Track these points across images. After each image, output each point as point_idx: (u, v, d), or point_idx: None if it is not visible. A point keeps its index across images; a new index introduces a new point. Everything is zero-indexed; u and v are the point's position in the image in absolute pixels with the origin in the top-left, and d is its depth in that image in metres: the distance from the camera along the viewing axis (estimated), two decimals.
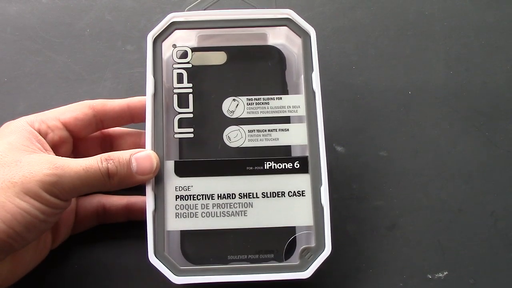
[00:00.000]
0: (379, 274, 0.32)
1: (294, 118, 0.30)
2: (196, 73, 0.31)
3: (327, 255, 0.27)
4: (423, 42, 0.39)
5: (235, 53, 0.31)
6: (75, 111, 0.30)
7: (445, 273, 0.32)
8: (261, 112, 0.30)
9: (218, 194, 0.28)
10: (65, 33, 0.39)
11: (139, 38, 0.39)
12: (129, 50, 0.39)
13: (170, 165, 0.29)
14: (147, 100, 0.29)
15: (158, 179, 0.28)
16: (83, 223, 0.31)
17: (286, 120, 0.30)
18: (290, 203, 0.28)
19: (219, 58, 0.31)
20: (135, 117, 0.31)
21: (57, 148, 0.29)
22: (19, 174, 0.24)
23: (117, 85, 0.37)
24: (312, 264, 0.27)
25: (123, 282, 0.31)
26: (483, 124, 0.37)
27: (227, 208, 0.28)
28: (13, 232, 0.24)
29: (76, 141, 0.30)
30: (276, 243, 0.28)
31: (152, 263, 0.27)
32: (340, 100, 0.37)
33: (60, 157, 0.26)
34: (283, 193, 0.28)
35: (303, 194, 0.28)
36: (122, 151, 0.28)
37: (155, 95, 0.29)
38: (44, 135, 0.28)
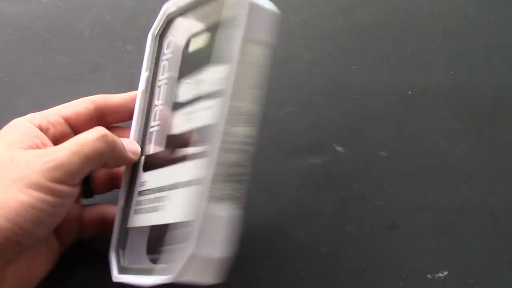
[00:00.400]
0: (379, 274, 0.32)
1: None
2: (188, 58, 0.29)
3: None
4: (423, 42, 0.39)
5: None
6: (76, 106, 0.29)
7: (445, 273, 0.32)
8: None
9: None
10: (65, 33, 0.39)
11: (139, 38, 0.39)
12: (129, 50, 0.39)
13: (142, 160, 0.29)
14: (138, 96, 0.29)
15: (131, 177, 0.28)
16: (87, 229, 0.30)
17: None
18: None
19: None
20: None
21: (58, 142, 0.28)
22: (17, 170, 0.24)
23: (117, 85, 0.37)
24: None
25: None
26: (483, 124, 0.37)
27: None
28: (19, 229, 0.23)
29: None
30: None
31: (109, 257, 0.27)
32: (340, 100, 0.37)
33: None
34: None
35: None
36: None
37: (145, 91, 0.29)
38: (45, 130, 0.28)
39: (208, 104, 0.24)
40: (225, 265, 0.23)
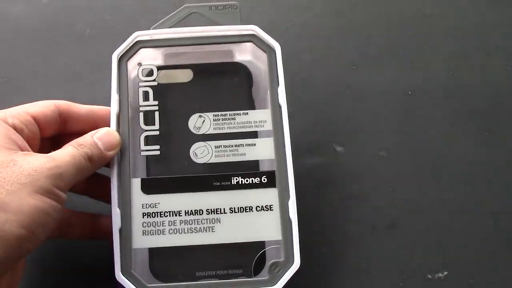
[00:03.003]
0: (379, 274, 0.32)
1: (262, 132, 0.30)
2: (162, 91, 0.30)
3: (296, 269, 0.27)
4: (423, 42, 0.39)
5: (201, 71, 0.31)
6: (42, 107, 0.29)
7: (445, 273, 0.32)
8: (227, 127, 0.30)
9: (185, 211, 0.28)
10: (65, 33, 0.39)
11: None
12: None
13: (136, 182, 0.28)
14: (112, 119, 0.29)
15: (124, 196, 0.28)
16: (72, 232, 0.30)
17: (254, 135, 0.30)
18: (258, 218, 0.28)
19: (185, 76, 0.31)
20: (98, 125, 0.30)
21: (30, 143, 0.28)
22: (24, 173, 0.24)
23: None
24: (281, 279, 0.27)
25: None
26: (483, 124, 0.37)
27: (194, 224, 0.28)
28: (32, 235, 0.23)
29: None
30: (245, 258, 0.28)
31: (119, 281, 0.26)
32: (340, 100, 0.37)
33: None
34: (250, 208, 0.28)
35: (271, 209, 0.28)
36: (83, 136, 0.28)
37: (120, 113, 0.29)
38: (19, 131, 0.27)
39: (262, 142, 0.30)
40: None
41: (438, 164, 0.35)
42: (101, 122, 0.30)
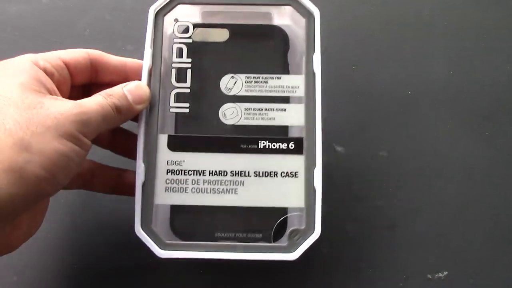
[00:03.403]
0: (379, 274, 0.32)
1: (294, 98, 0.30)
2: (196, 49, 0.30)
3: (316, 238, 0.27)
4: (423, 42, 0.39)
5: (238, 31, 0.31)
6: (74, 53, 0.29)
7: (445, 273, 0.32)
8: (259, 90, 0.29)
9: (209, 171, 0.28)
10: (65, 33, 0.39)
11: (139, 38, 0.39)
12: (129, 50, 0.39)
13: (163, 139, 0.28)
14: (143, 73, 0.29)
15: (150, 152, 0.28)
16: (69, 184, 0.29)
17: (285, 100, 0.29)
18: (282, 184, 0.28)
19: (221, 35, 0.31)
20: (129, 78, 0.30)
21: (60, 88, 0.28)
22: (50, 116, 0.24)
23: None
24: (300, 246, 0.27)
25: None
26: (483, 124, 0.37)
27: (217, 185, 0.28)
28: (52, 178, 0.23)
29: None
30: (266, 223, 0.28)
31: (138, 235, 0.27)
32: (340, 100, 0.37)
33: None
34: (275, 173, 0.28)
35: (296, 175, 0.28)
36: (113, 88, 0.28)
37: (152, 68, 0.29)
38: (50, 75, 0.27)
39: (293, 107, 0.29)
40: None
41: (438, 164, 0.35)
42: (133, 75, 0.30)
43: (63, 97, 0.27)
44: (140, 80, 0.29)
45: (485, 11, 0.40)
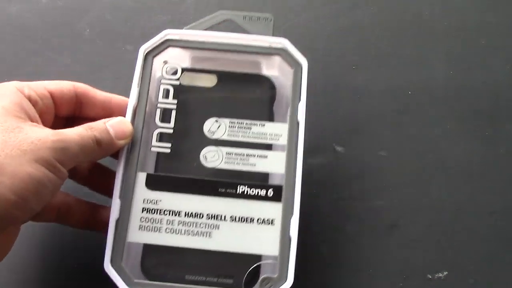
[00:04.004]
0: (379, 274, 0.32)
1: (276, 146, 0.30)
2: (183, 91, 0.30)
3: (288, 287, 0.27)
4: (423, 42, 0.39)
5: (226, 78, 0.31)
6: (60, 85, 0.29)
7: (445, 273, 0.32)
8: (242, 136, 0.30)
9: (185, 212, 0.28)
10: (65, 33, 0.39)
11: (139, 38, 0.39)
12: (129, 50, 0.39)
13: (142, 177, 0.28)
14: (128, 110, 0.29)
15: (127, 189, 0.28)
16: (42, 215, 0.29)
17: (268, 147, 0.30)
18: (258, 230, 0.28)
19: (209, 81, 0.31)
20: (114, 113, 0.30)
21: (43, 117, 0.28)
22: (27, 140, 0.23)
23: (117, 85, 0.37)
24: None
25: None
26: (483, 124, 0.37)
27: (192, 227, 0.28)
28: (23, 203, 0.23)
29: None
30: (238, 269, 0.28)
31: (107, 272, 0.26)
32: (340, 100, 0.37)
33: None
34: (252, 219, 0.28)
35: (273, 223, 0.28)
36: (96, 121, 0.27)
37: (138, 107, 0.29)
38: (34, 103, 0.27)
39: (274, 155, 0.29)
40: None
41: (438, 164, 0.35)
42: (117, 111, 0.30)
43: (45, 126, 0.27)
44: (124, 116, 0.29)
45: (485, 11, 0.40)
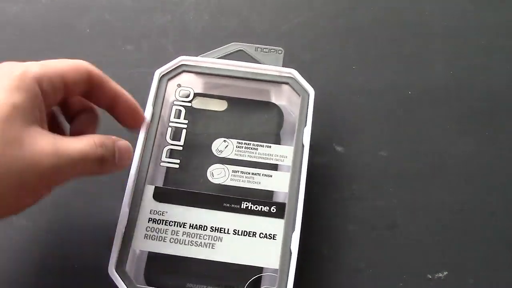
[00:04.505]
0: (379, 274, 0.32)
1: (283, 167, 0.31)
2: (194, 113, 0.32)
3: None
4: (423, 42, 0.39)
5: (236, 104, 0.33)
6: (76, 72, 0.28)
7: (445, 273, 0.32)
8: (248, 156, 0.31)
9: (190, 224, 0.29)
10: (65, 33, 0.39)
11: (139, 38, 0.39)
12: (129, 50, 0.39)
13: (150, 189, 0.30)
14: (142, 129, 0.30)
15: (136, 199, 0.29)
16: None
17: (273, 167, 0.31)
18: (259, 244, 0.29)
19: (219, 105, 0.33)
20: (117, 110, 0.30)
21: (47, 107, 0.27)
22: (18, 163, 0.23)
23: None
24: None
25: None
26: (483, 124, 0.37)
27: (196, 238, 0.29)
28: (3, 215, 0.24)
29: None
30: (238, 280, 0.28)
31: (111, 276, 0.27)
32: (340, 100, 0.37)
33: (57, 137, 0.25)
34: (254, 233, 0.29)
35: (274, 238, 0.29)
36: (106, 137, 0.27)
37: (150, 125, 0.31)
38: (45, 95, 0.26)
39: (279, 175, 0.31)
40: None
41: (438, 164, 0.35)
42: (122, 110, 0.30)
43: (47, 109, 0.27)
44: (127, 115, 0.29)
45: (485, 11, 0.40)
